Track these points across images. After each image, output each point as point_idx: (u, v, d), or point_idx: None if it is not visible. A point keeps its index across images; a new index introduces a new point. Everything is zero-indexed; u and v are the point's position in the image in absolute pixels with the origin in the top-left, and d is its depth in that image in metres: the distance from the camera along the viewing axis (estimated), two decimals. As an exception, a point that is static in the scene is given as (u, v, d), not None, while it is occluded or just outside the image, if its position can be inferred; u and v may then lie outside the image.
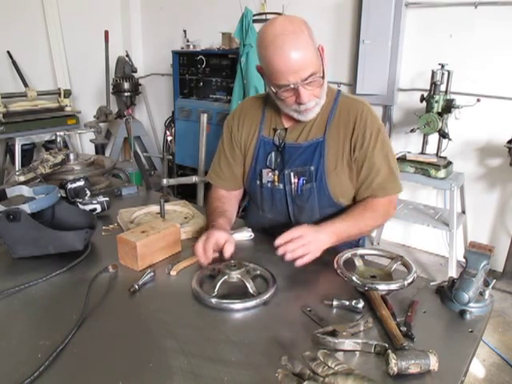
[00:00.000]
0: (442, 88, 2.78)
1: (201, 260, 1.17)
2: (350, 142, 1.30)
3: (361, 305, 1.00)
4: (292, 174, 1.34)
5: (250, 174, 1.44)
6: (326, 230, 1.19)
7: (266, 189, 1.40)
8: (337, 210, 1.36)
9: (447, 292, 1.05)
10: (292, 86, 1.18)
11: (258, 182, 1.41)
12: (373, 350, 0.86)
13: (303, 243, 1.12)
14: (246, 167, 1.45)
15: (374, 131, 1.29)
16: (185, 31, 4.00)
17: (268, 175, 1.38)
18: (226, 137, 1.48)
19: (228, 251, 1.17)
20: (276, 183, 1.37)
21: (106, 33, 4.09)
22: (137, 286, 1.09)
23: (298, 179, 1.34)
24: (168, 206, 1.57)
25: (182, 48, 3.89)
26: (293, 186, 1.35)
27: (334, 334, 0.89)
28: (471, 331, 0.95)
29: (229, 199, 1.48)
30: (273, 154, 1.37)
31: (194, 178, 2.01)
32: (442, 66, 2.74)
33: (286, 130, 1.36)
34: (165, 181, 1.79)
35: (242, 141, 1.44)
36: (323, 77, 1.22)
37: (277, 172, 1.37)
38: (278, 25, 1.16)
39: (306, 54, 1.15)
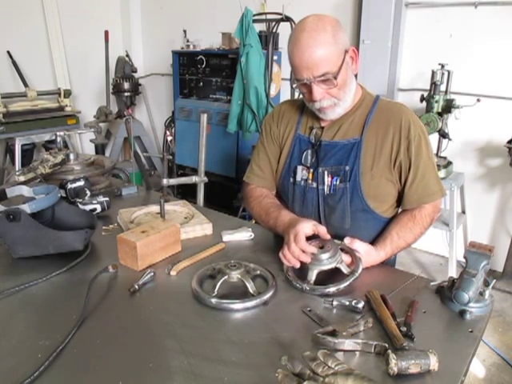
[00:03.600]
0: (442, 88, 2.78)
1: (304, 260, 1.12)
2: (392, 144, 1.28)
3: (361, 305, 1.00)
4: (326, 172, 1.32)
5: (284, 172, 1.42)
6: (379, 252, 1.22)
7: (299, 187, 1.37)
8: (369, 216, 1.33)
9: (447, 292, 1.05)
10: (306, 82, 1.21)
11: (292, 180, 1.38)
12: (373, 350, 0.86)
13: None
14: (281, 164, 1.44)
15: (418, 134, 1.28)
16: (185, 31, 4.00)
17: (302, 172, 1.36)
18: (266, 135, 1.48)
19: (323, 232, 1.17)
20: (309, 181, 1.35)
21: (106, 33, 4.09)
22: (137, 286, 1.09)
23: (332, 178, 1.32)
24: (168, 206, 1.57)
25: (182, 48, 3.89)
26: (326, 185, 1.32)
27: (333, 334, 0.89)
28: (471, 331, 0.95)
29: (274, 197, 1.47)
30: (308, 151, 1.36)
31: (194, 178, 2.00)
32: (442, 66, 2.74)
33: (322, 128, 1.36)
34: (165, 181, 1.78)
35: (280, 137, 1.45)
36: (336, 77, 1.20)
37: (311, 170, 1.35)
38: (307, 22, 1.20)
39: (322, 53, 1.17)
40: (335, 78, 1.20)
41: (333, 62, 1.19)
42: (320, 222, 1.35)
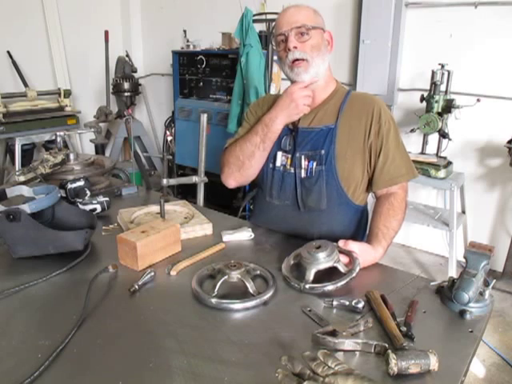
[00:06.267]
0: (442, 88, 2.78)
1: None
2: (365, 130, 1.38)
3: (361, 305, 1.00)
4: (303, 157, 1.41)
5: None
6: (377, 250, 1.25)
7: (278, 172, 1.46)
8: (342, 200, 1.40)
9: (447, 292, 1.05)
10: (284, 34, 1.34)
11: (271, 165, 1.47)
12: (373, 350, 0.86)
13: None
14: None
15: (388, 120, 1.39)
16: (185, 31, 4.01)
17: (282, 158, 1.45)
18: (249, 116, 1.58)
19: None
20: (288, 166, 1.44)
21: (106, 33, 4.09)
22: (137, 286, 1.09)
23: (308, 162, 1.40)
24: (168, 206, 1.57)
25: (182, 48, 3.89)
26: (303, 168, 1.41)
27: (333, 334, 0.89)
28: (471, 331, 0.95)
29: None
30: (287, 137, 1.44)
31: (194, 178, 2.00)
32: (442, 66, 2.74)
33: None
34: (165, 181, 1.78)
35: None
36: (310, 29, 1.33)
37: (289, 155, 1.43)
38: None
39: (302, 14, 1.34)
40: (310, 30, 1.33)
41: (310, 21, 1.34)
42: (297, 204, 1.44)
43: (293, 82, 1.40)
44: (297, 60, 1.34)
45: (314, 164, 1.39)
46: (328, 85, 1.44)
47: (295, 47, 1.32)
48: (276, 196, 1.47)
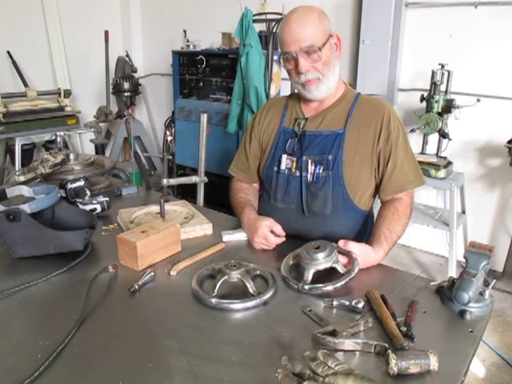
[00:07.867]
0: (442, 88, 2.78)
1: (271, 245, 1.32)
2: (374, 136, 1.36)
3: (361, 305, 1.00)
4: (309, 161, 1.38)
5: (268, 161, 1.48)
6: (378, 251, 1.24)
7: (283, 175, 1.43)
8: (347, 205, 1.39)
9: (447, 292, 1.05)
10: (293, 55, 1.30)
11: (276, 169, 1.45)
12: (373, 350, 0.86)
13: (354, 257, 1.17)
14: (265, 155, 1.51)
15: (397, 126, 1.38)
16: (185, 31, 4.00)
17: (286, 161, 1.43)
18: (248, 131, 1.57)
19: (279, 230, 1.32)
20: (293, 170, 1.42)
21: (106, 33, 4.09)
22: (137, 286, 1.09)
23: (315, 167, 1.38)
24: (168, 206, 1.57)
25: (182, 48, 3.89)
26: (309, 173, 1.38)
27: (334, 334, 0.89)
28: (471, 331, 0.95)
29: (251, 190, 1.58)
30: (292, 140, 1.43)
31: (194, 178, 2.00)
32: (442, 66, 2.74)
33: (306, 119, 1.43)
34: (165, 181, 1.78)
35: (262, 132, 1.52)
36: (320, 49, 1.28)
37: (295, 159, 1.41)
38: (297, 7, 1.34)
39: (309, 29, 1.28)
40: (319, 50, 1.28)
41: (318, 37, 1.29)
42: (302, 208, 1.42)
43: (303, 96, 1.40)
44: (309, 80, 1.32)
45: (321, 169, 1.36)
46: (337, 89, 1.42)
47: (307, 70, 1.30)
48: (280, 199, 1.45)
